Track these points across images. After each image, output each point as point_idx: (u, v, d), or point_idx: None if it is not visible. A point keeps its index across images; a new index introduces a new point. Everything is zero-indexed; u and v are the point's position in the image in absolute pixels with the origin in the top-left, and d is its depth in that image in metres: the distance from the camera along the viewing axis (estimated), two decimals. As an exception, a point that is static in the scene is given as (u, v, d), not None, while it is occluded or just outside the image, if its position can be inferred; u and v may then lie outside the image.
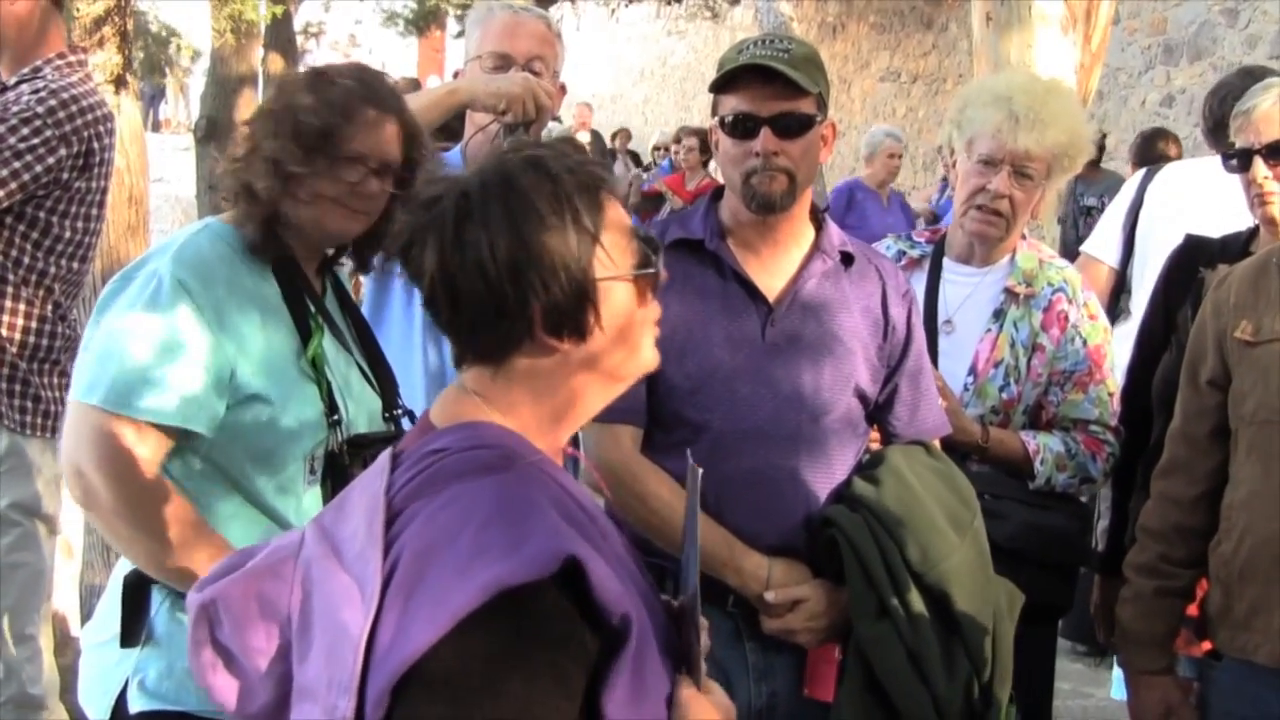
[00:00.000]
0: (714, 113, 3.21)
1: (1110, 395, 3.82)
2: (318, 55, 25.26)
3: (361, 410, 3.02)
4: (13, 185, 3.94)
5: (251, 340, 2.84)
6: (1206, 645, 3.25)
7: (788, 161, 3.08)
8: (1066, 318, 3.77)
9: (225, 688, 2.04)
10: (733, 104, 3.11)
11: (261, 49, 16.79)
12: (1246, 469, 3.07)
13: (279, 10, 15.35)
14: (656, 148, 16.26)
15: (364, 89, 2.88)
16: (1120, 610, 3.36)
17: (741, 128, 3.10)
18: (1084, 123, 3.94)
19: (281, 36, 17.42)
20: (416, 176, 2.89)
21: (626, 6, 23.27)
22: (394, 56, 28.81)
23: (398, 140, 2.94)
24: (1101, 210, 7.82)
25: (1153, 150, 8.00)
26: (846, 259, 3.25)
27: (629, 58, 28.78)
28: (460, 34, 21.00)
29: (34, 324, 4.16)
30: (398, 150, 2.94)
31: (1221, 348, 3.16)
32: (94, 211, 4.23)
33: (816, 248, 3.23)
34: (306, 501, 2.91)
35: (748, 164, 3.09)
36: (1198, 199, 4.91)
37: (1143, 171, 5.58)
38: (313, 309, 2.98)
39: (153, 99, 29.35)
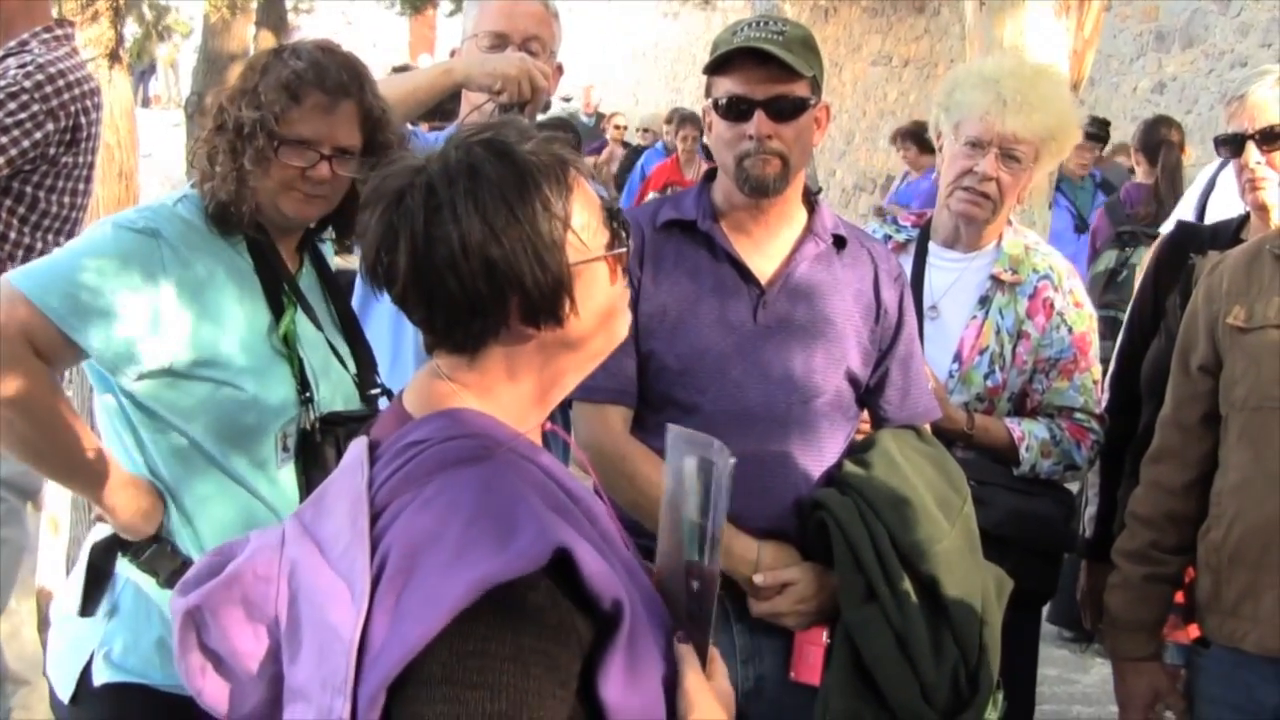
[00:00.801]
0: (707, 94, 3.20)
1: (1095, 383, 3.82)
2: (309, 32, 25.18)
3: (336, 389, 3.01)
4: None
5: (222, 313, 2.84)
6: (1194, 632, 3.26)
7: (781, 145, 3.08)
8: (1052, 305, 3.77)
9: (215, 691, 2.02)
10: (727, 86, 3.10)
11: (253, 26, 16.75)
12: (1237, 455, 3.07)
13: (271, -15, 15.32)
14: (644, 129, 16.18)
15: (315, 71, 2.83)
16: (1109, 597, 3.36)
17: (735, 110, 3.09)
18: (1073, 107, 3.94)
19: (273, 14, 17.39)
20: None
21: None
22: (386, 35, 28.75)
23: (355, 124, 2.90)
24: (1117, 201, 7.83)
25: (1155, 136, 8.00)
26: (839, 242, 3.25)
27: (620, 39, 28.74)
28: (453, 13, 20.95)
29: (20, 299, 4.13)
30: (355, 134, 2.90)
31: (1213, 334, 3.16)
32: (81, 186, 4.21)
33: (809, 230, 3.23)
34: (282, 479, 2.91)
35: (741, 147, 3.09)
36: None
37: (1218, 161, 5.58)
38: (285, 286, 2.97)
39: (142, 74, 29.25)
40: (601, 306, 2.03)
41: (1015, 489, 3.66)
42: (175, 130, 21.93)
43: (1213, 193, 5.22)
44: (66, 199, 4.15)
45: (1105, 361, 4.04)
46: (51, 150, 4.04)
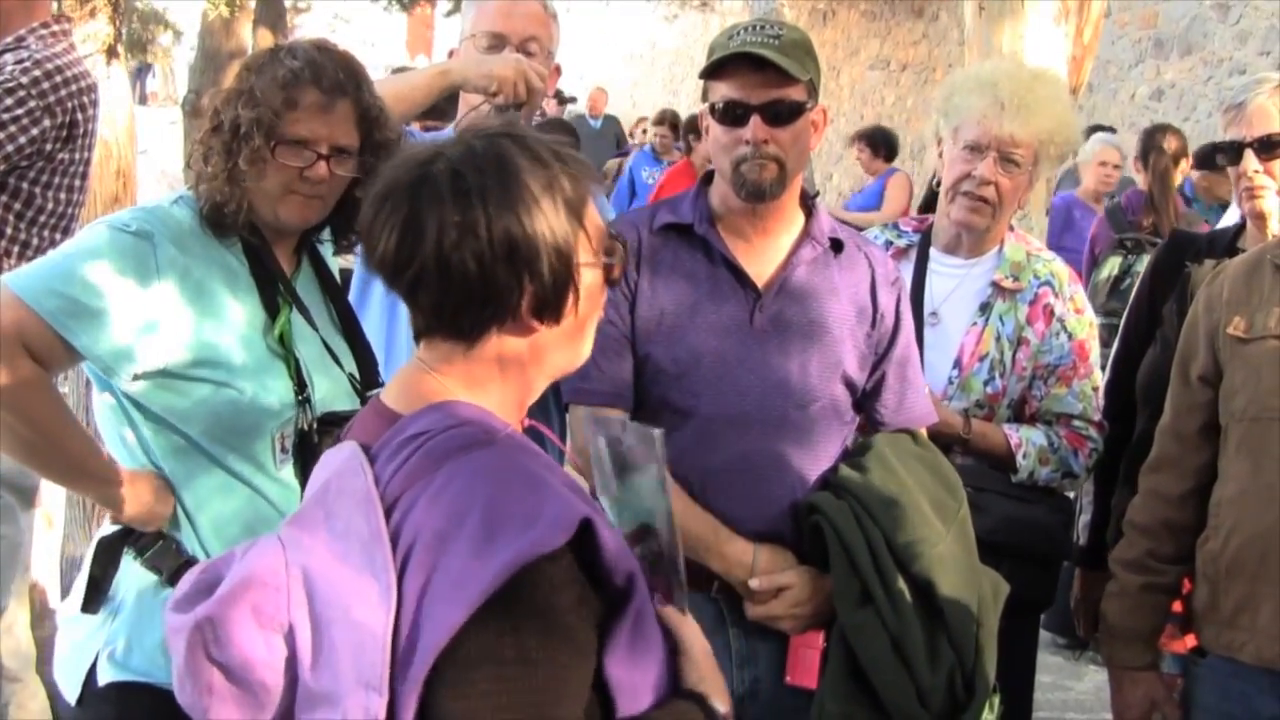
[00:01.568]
0: (704, 99, 3.20)
1: (1095, 390, 3.81)
2: (307, 31, 25.17)
3: (335, 388, 3.01)
4: (-5, 156, 3.92)
5: (218, 313, 2.84)
6: (1191, 641, 3.25)
7: (778, 149, 3.08)
8: (1052, 311, 3.76)
9: (227, 707, 1.98)
10: (723, 91, 3.10)
11: (251, 24, 16.73)
12: (1236, 466, 3.07)
13: (269, -16, 15.30)
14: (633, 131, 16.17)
15: (312, 70, 2.82)
16: (1106, 605, 3.35)
17: (731, 115, 3.09)
18: (1071, 111, 3.93)
19: (272, 12, 17.36)
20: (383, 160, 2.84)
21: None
22: (383, 34, 28.74)
23: (352, 123, 2.89)
24: (1118, 208, 7.80)
25: (1149, 144, 7.98)
26: (836, 246, 3.24)
27: (617, 40, 28.73)
28: (451, 12, 20.94)
29: (16, 295, 4.12)
30: (353, 134, 2.89)
31: (1213, 344, 3.15)
32: (77, 183, 4.20)
33: (806, 234, 3.22)
34: (283, 478, 2.91)
35: (738, 151, 3.08)
36: None
37: None
38: (280, 286, 2.97)
39: (139, 72, 29.23)
40: (592, 313, 2.09)
41: (1012, 496, 3.65)
42: (173, 128, 21.88)
43: None
44: (63, 195, 4.15)
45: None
46: (48, 146, 4.04)
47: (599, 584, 1.86)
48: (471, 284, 1.93)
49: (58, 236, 4.16)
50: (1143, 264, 6.90)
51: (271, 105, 2.78)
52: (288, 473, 2.90)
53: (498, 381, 2.03)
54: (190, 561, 2.80)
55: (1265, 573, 2.96)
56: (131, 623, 2.86)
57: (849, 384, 3.20)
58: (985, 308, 3.75)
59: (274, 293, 2.94)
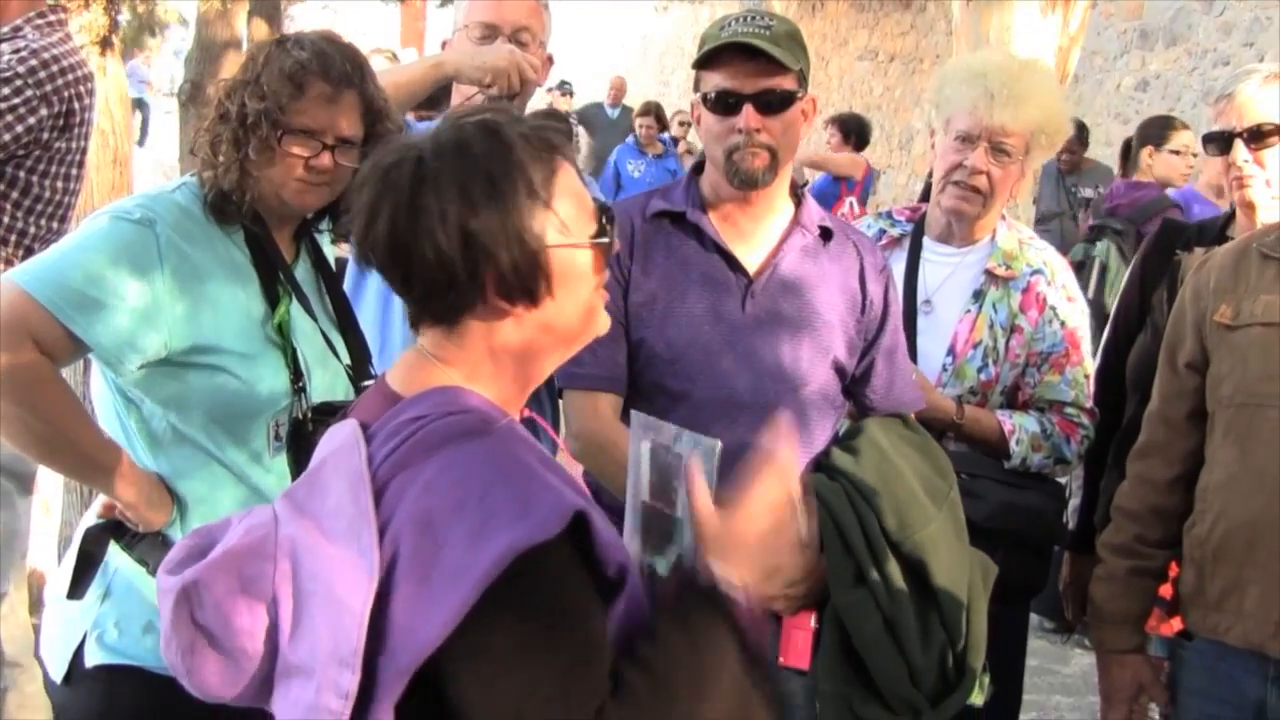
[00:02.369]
0: (696, 88, 3.20)
1: (1086, 377, 3.82)
2: (301, 22, 25.13)
3: (330, 379, 3.02)
4: (-7, 146, 3.92)
5: (218, 300, 2.84)
6: (1178, 625, 3.25)
7: (769, 138, 3.08)
8: (1045, 300, 3.76)
9: (206, 669, 2.00)
10: (715, 81, 3.11)
11: (246, 14, 16.68)
12: (1223, 451, 3.07)
13: (266, -25, 15.26)
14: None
15: (319, 61, 2.83)
16: (1094, 590, 3.36)
17: (724, 104, 3.10)
18: (1061, 101, 3.92)
19: (267, 3, 17.32)
20: None
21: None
22: (375, 25, 28.71)
23: (357, 114, 2.90)
24: (1100, 199, 7.78)
25: (1133, 139, 7.96)
26: (825, 234, 3.25)
27: (610, 32, 28.71)
28: (443, 3, 20.91)
29: (13, 284, 4.12)
30: (357, 124, 2.90)
31: (1200, 331, 3.15)
32: (74, 171, 4.20)
33: (796, 222, 3.23)
34: (276, 468, 2.91)
35: (730, 140, 3.09)
36: None
37: None
38: (281, 276, 2.97)
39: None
40: (582, 294, 2.05)
41: (1006, 482, 3.65)
42: (168, 117, 21.89)
43: None
44: (60, 184, 4.15)
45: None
46: (45, 135, 4.04)
47: (594, 574, 1.86)
48: (432, 270, 1.93)
49: (55, 224, 4.16)
50: (1099, 249, 6.96)
51: (279, 95, 2.79)
52: (281, 464, 2.90)
53: (490, 367, 2.03)
54: None
55: (1252, 557, 2.96)
56: (120, 607, 2.87)
57: (839, 369, 3.21)
58: (978, 295, 3.76)
59: (275, 282, 2.95)
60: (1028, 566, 3.61)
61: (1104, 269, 6.95)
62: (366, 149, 2.88)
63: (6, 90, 3.93)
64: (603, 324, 2.12)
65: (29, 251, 4.11)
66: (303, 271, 3.08)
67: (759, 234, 3.21)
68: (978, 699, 3.10)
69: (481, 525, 1.76)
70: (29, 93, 3.96)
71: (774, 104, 3.07)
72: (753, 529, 2.04)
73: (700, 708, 1.82)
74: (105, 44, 6.25)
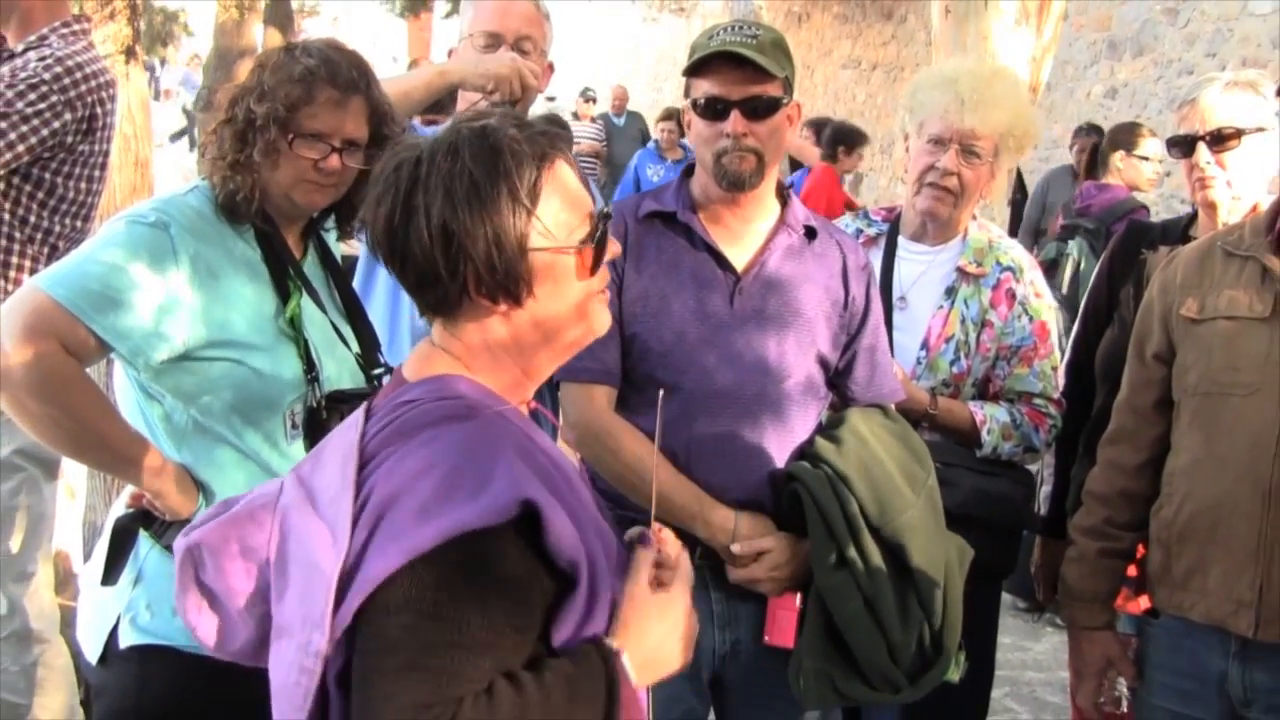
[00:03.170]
0: (686, 95, 3.21)
1: (1054, 369, 3.82)
2: (311, 32, 25.11)
3: (342, 368, 3.02)
4: (20, 148, 3.92)
5: (232, 296, 2.85)
6: (1145, 603, 3.26)
7: (756, 142, 3.08)
8: (1014, 296, 3.76)
9: (207, 626, 2.07)
10: (705, 87, 3.11)
11: (260, 24, 16.71)
12: (1188, 438, 3.08)
13: (279, -11, 15.28)
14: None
15: (327, 68, 2.85)
16: (1065, 570, 3.36)
17: (713, 110, 3.10)
18: (1028, 105, 3.93)
19: (280, 13, 17.34)
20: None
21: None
22: (384, 36, 28.71)
23: (363, 118, 2.91)
24: (1071, 200, 7.76)
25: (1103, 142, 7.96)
26: (810, 234, 3.25)
27: (605, 41, 28.71)
28: (449, 14, 20.91)
29: (39, 278, 4.12)
30: (363, 128, 2.91)
31: (1167, 324, 3.16)
32: (96, 173, 4.20)
33: (782, 222, 3.23)
34: (292, 453, 2.90)
35: (719, 144, 3.09)
36: None
37: None
38: (291, 271, 2.98)
39: (154, 69, 29.09)
40: (569, 295, 2.04)
41: (978, 470, 3.65)
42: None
43: None
44: (83, 185, 4.15)
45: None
46: (69, 139, 4.03)
47: (551, 567, 1.85)
48: (420, 266, 1.95)
49: (78, 223, 4.16)
50: (1072, 246, 6.96)
51: (288, 100, 2.80)
52: (298, 448, 2.90)
53: (486, 358, 2.03)
54: None
55: (1215, 538, 2.97)
56: (151, 589, 2.87)
57: (822, 362, 3.21)
58: (951, 292, 3.75)
59: (285, 278, 2.95)
60: (999, 549, 3.61)
61: (1077, 266, 6.96)
62: (371, 150, 2.88)
63: (33, 96, 3.93)
64: (601, 324, 2.11)
65: (54, 249, 4.11)
66: (311, 267, 3.09)
67: (746, 233, 3.21)
68: (954, 675, 3.11)
69: (433, 501, 1.78)
70: (54, 98, 3.96)
71: (760, 109, 3.07)
72: (665, 618, 2.04)
73: None
74: (128, 52, 6.24)
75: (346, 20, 27.77)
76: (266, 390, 2.86)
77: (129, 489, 2.93)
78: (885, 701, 3.09)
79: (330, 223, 3.15)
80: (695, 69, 3.11)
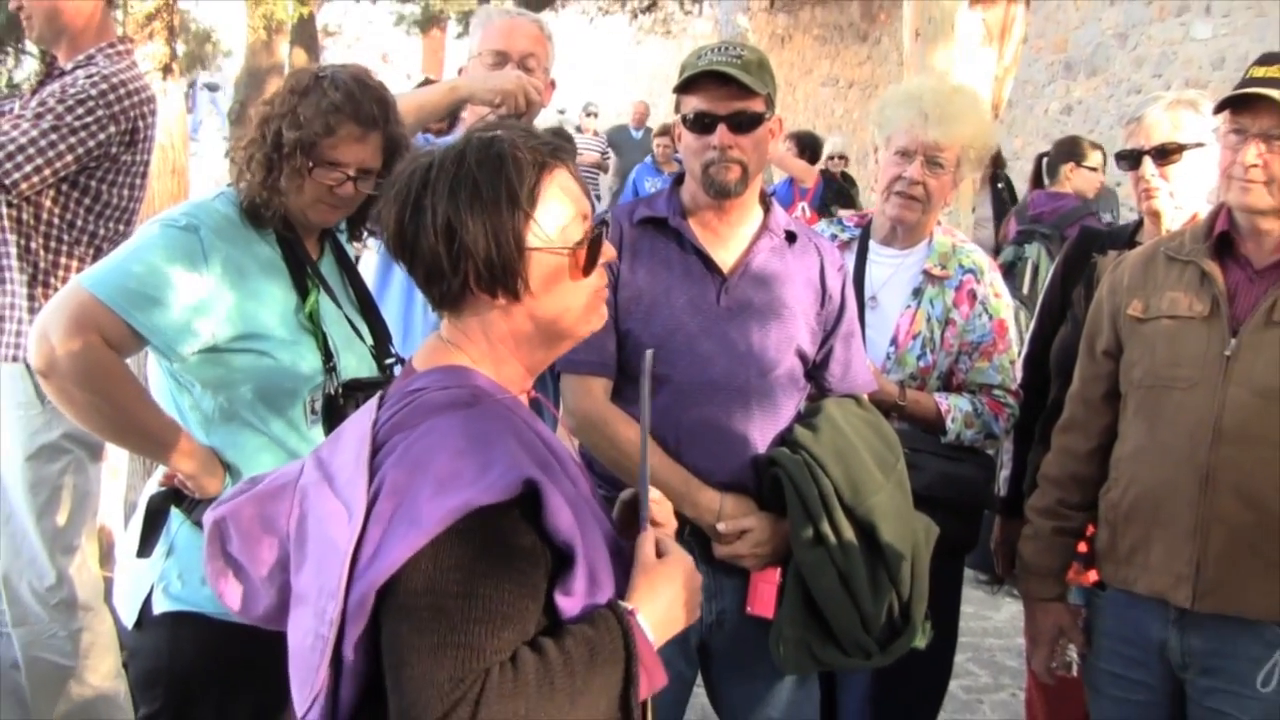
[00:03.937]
0: (676, 110, 3.20)
1: (1012, 363, 3.82)
2: (335, 51, 25.06)
3: (357, 359, 3.03)
4: (69, 158, 3.92)
5: (259, 293, 2.87)
6: (1094, 577, 3.28)
7: (741, 154, 3.08)
8: (975, 296, 3.76)
9: (232, 593, 2.10)
10: (693, 104, 3.11)
11: (288, 44, 16.66)
12: (1133, 427, 3.09)
13: (305, 10, 15.21)
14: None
15: (351, 104, 2.86)
16: (1021, 546, 3.37)
17: (701, 124, 3.10)
18: (987, 119, 3.94)
19: (305, 33, 17.29)
20: None
21: (603, 16, 23.21)
22: (399, 54, 28.65)
23: (379, 150, 2.93)
24: (1024, 206, 7.75)
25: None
26: (790, 237, 3.24)
27: (601, 60, 28.65)
28: (460, 34, 20.88)
29: (84, 277, 4.12)
30: (378, 159, 2.93)
31: (1115, 323, 3.18)
32: (138, 181, 4.21)
33: (765, 227, 3.23)
34: (312, 437, 2.91)
35: (706, 156, 3.09)
36: None
37: None
38: (309, 270, 2.99)
39: (190, 85, 29.01)
40: (566, 293, 2.04)
41: (943, 455, 3.65)
42: (219, 134, 21.86)
43: None
44: (125, 191, 4.15)
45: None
46: (113, 150, 4.04)
47: (550, 542, 1.86)
48: (427, 261, 1.96)
49: (121, 227, 4.16)
50: (1030, 250, 6.96)
51: (312, 130, 2.82)
52: (318, 432, 2.91)
53: (488, 351, 2.04)
54: None
55: (1157, 518, 2.99)
56: (183, 560, 2.89)
57: (802, 356, 3.20)
58: (918, 292, 3.75)
59: (304, 277, 2.97)
60: (962, 527, 3.61)
61: (1036, 268, 6.96)
62: (383, 176, 2.89)
63: (81, 110, 3.93)
64: (598, 320, 2.12)
65: (98, 250, 4.11)
66: (327, 266, 3.10)
67: (732, 237, 3.20)
68: (920, 642, 3.11)
69: (443, 483, 1.78)
70: (100, 112, 3.96)
71: (745, 124, 3.07)
72: (672, 581, 2.05)
73: (570, 715, 1.79)
74: (166, 70, 6.25)
75: (367, 39, 27.68)
76: (289, 380, 2.88)
77: (162, 469, 2.95)
78: (858, 667, 3.10)
79: (342, 225, 3.16)
80: (685, 86, 3.11)
